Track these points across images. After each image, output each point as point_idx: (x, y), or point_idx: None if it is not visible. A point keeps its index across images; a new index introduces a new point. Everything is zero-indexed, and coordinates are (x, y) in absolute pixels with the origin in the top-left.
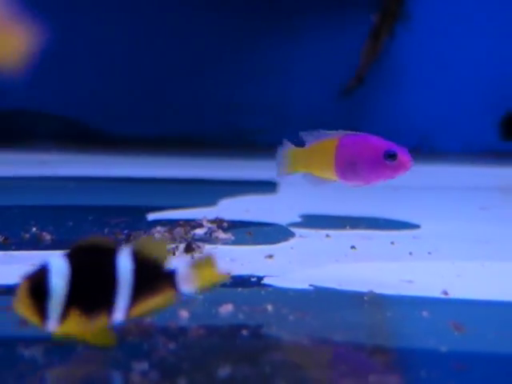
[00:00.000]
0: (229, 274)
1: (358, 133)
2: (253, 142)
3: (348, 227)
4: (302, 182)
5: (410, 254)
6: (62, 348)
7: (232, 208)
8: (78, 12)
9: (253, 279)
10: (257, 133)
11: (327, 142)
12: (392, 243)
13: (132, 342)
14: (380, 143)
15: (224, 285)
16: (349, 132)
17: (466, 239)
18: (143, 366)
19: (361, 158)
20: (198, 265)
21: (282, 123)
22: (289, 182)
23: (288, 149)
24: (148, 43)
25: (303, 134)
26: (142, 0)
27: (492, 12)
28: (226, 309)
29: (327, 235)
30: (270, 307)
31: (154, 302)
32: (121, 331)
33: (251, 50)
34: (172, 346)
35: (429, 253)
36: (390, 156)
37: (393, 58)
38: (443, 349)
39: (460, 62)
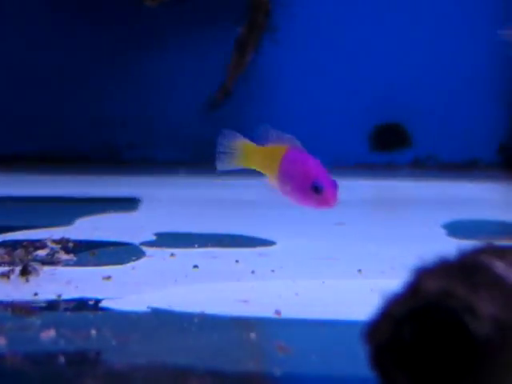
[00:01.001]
0: None
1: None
2: (120, 157)
3: (197, 245)
4: (165, 199)
5: (253, 272)
6: None
7: (85, 227)
8: None
9: (84, 302)
10: (124, 148)
11: (278, 148)
12: (237, 261)
13: None
14: (312, 171)
15: (52, 308)
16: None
17: (314, 256)
18: None
19: (294, 180)
20: None
21: (150, 138)
22: (152, 199)
23: (241, 142)
24: (11, 55)
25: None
26: (13, 13)
27: (363, 24)
28: (48, 334)
29: (172, 254)
30: (94, 332)
31: None
32: None
33: (120, 63)
34: None
35: (272, 271)
36: (316, 189)
37: (261, 70)
38: (264, 371)
39: (329, 75)
